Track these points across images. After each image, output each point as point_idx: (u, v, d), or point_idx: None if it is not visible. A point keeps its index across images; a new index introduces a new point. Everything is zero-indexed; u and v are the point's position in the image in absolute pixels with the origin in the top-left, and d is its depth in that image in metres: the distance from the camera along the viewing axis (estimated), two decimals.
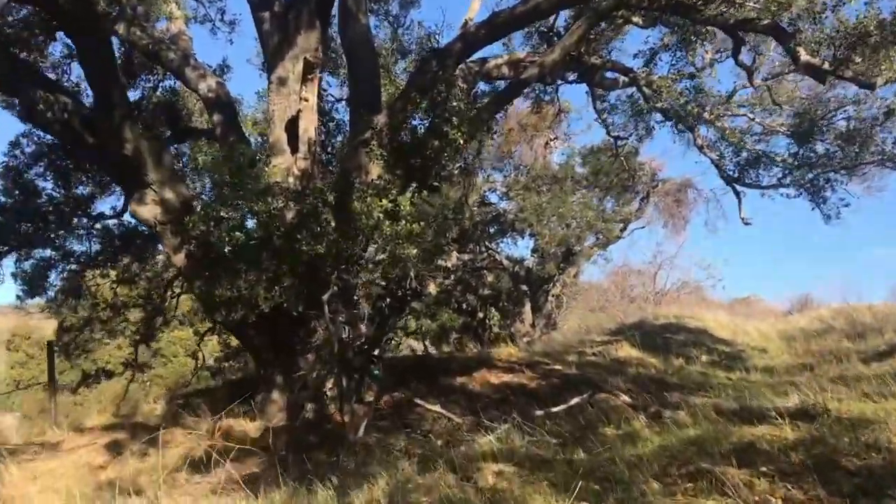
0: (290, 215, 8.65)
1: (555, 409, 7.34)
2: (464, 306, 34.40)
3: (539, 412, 7.40)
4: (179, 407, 11.95)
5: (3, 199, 13.22)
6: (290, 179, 9.82)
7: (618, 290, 34.64)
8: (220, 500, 6.93)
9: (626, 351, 14.15)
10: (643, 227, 28.38)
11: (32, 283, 14.12)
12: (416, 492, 4.95)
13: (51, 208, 13.57)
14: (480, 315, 33.88)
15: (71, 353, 17.63)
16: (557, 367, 11.91)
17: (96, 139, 9.56)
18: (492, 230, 29.05)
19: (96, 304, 16.40)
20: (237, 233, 8.50)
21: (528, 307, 29.43)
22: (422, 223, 8.18)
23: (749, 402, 7.45)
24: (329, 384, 10.19)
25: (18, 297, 14.59)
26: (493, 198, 27.72)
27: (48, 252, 14.31)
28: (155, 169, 9.91)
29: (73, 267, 14.92)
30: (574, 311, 32.94)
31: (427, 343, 38.36)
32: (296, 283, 8.61)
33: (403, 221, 8.14)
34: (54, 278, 14.86)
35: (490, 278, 30.98)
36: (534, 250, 28.54)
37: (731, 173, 13.26)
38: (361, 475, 6.07)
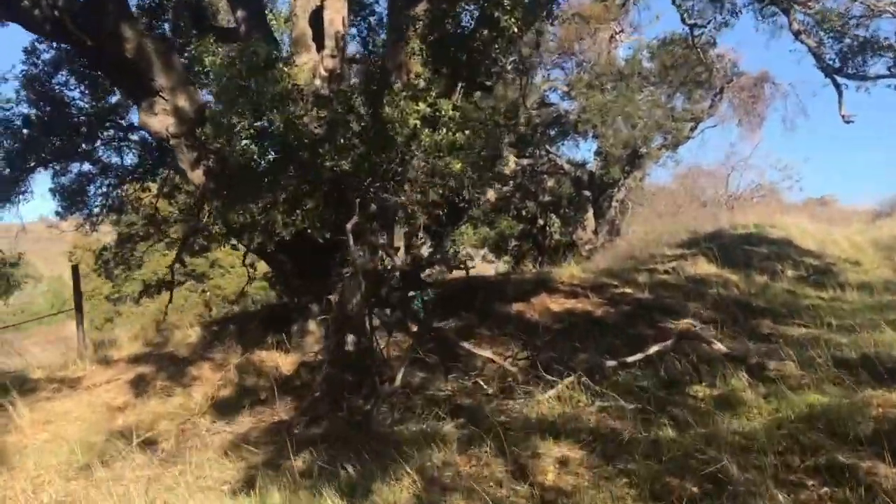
0: (312, 125, 7.30)
1: (630, 359, 6.01)
2: (523, 213, 33.18)
3: (610, 362, 6.07)
4: (214, 335, 11.02)
5: (30, 110, 12.24)
6: (317, 81, 8.45)
7: (687, 195, 32.71)
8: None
9: (702, 267, 12.63)
10: (715, 126, 26.39)
11: (72, 198, 13.39)
12: (451, 493, 3.75)
13: (81, 119, 12.55)
14: (541, 222, 32.63)
15: (112, 269, 16.90)
16: (627, 289, 10.53)
17: (92, 40, 8.27)
18: (552, 133, 27.75)
19: (141, 219, 15.69)
20: (251, 146, 7.24)
21: (590, 213, 28.18)
22: (467, 132, 6.78)
23: (873, 349, 6.00)
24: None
25: (58, 213, 13.79)
26: (554, 98, 25.97)
27: (86, 166, 13.56)
28: (163, 73, 8.61)
29: (112, 181, 14.05)
30: (640, 217, 31.30)
31: (485, 254, 37.39)
32: (320, 205, 7.33)
33: (444, 129, 6.75)
34: (94, 193, 14.04)
35: (551, 183, 29.73)
36: (597, 153, 27.23)
37: (831, 63, 11.34)
38: (386, 463, 4.90)
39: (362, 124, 7.00)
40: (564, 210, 28.91)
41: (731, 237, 16.06)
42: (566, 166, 27.71)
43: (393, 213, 8.42)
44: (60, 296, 43.62)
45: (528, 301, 10.21)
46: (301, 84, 7.54)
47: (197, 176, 8.96)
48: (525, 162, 28.02)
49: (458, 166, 6.78)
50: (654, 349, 5.96)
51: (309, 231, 7.46)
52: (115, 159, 13.73)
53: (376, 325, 9.52)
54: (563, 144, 27.90)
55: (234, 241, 11.37)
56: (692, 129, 25.34)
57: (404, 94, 6.92)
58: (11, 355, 12.06)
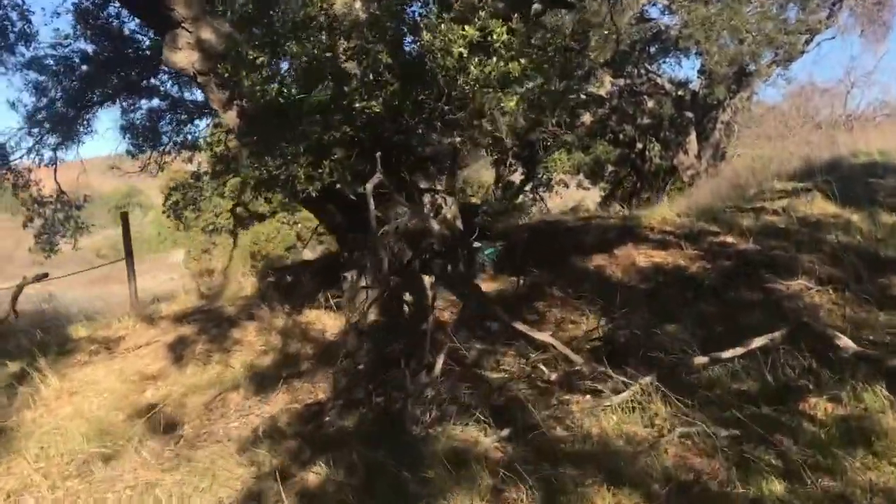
0: (342, 58, 6.10)
1: (726, 355, 4.64)
2: (620, 137, 31.35)
3: (701, 359, 4.72)
4: (268, 288, 10.17)
5: (87, 45, 11.56)
6: (357, 4, 7.19)
7: (800, 115, 29.92)
8: None
9: (818, 206, 10.87)
10: (833, 39, 23.63)
11: (144, 135, 12.79)
12: None
13: (142, 53, 11.83)
14: (639, 146, 30.75)
15: (181, 211, 16.38)
16: (728, 237, 9.01)
17: None
18: (652, 50, 25.90)
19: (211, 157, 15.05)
20: (270, 85, 6.12)
21: (693, 136, 26.26)
22: (522, 60, 5.44)
23: None
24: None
25: (129, 152, 13.15)
26: (654, 12, 23.91)
27: (155, 101, 12.90)
28: (183, 1, 7.52)
29: (183, 116, 13.37)
30: (747, 140, 28.96)
31: (580, 180, 35.68)
32: (351, 155, 6.18)
33: (496, 58, 5.45)
34: (166, 129, 13.41)
35: (650, 104, 28.05)
36: (700, 71, 25.10)
37: None
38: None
39: (396, 55, 5.74)
40: (665, 133, 27.17)
41: (851, 167, 14.05)
42: (667, 86, 25.83)
43: (446, 157, 7.20)
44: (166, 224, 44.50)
45: (610, 252, 8.87)
46: (337, 8, 6.33)
47: (230, 117, 7.90)
48: (622, 82, 26.28)
49: (511, 104, 5.48)
50: (757, 343, 4.59)
51: (339, 186, 6.34)
52: (185, 94, 13.08)
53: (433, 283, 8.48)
54: (663, 62, 25.87)
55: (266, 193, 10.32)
56: (807, 43, 22.89)
57: (447, 15, 5.62)
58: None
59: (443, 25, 5.46)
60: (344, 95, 5.66)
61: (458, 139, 6.74)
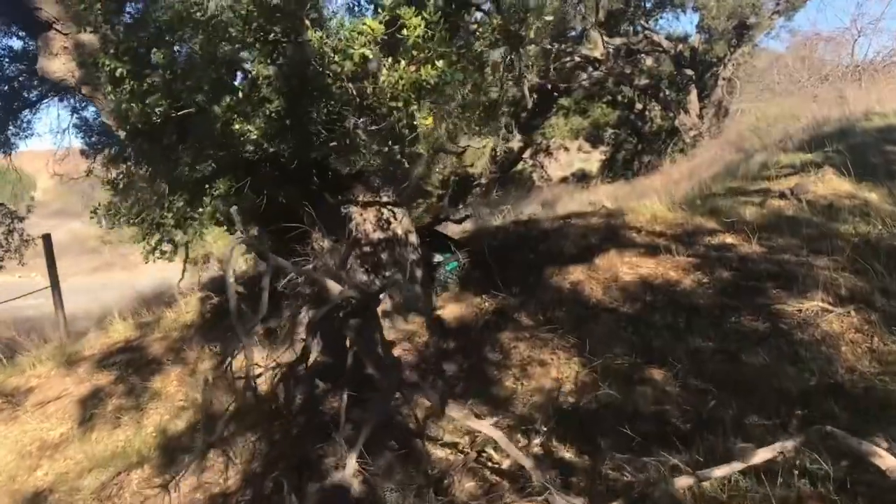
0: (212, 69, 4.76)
1: (719, 473, 3.30)
2: (619, 98, 29.92)
3: (685, 480, 3.39)
4: (211, 314, 8.93)
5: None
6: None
7: (804, 67, 28.25)
8: None
9: (830, 184, 9.49)
10: None
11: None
12: None
13: None
14: (639, 107, 29.45)
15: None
16: (727, 237, 7.66)
17: None
18: (648, 5, 24.74)
19: None
20: (135, 104, 4.81)
21: (693, 95, 24.97)
22: (440, 63, 4.11)
23: None
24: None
25: (83, 152, 11.93)
26: None
27: None
28: None
29: None
30: (751, 95, 27.43)
31: (580, 145, 34.23)
32: (236, 188, 4.87)
33: (404, 61, 4.13)
34: None
35: (649, 63, 26.69)
36: (699, 27, 23.90)
37: None
38: None
39: (279, 62, 4.41)
40: (664, 93, 25.88)
41: (864, 133, 12.63)
42: (665, 43, 24.53)
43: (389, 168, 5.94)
44: None
45: (590, 263, 7.56)
46: (211, 6, 4.98)
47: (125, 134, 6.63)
48: (618, 41, 24.99)
49: (427, 120, 4.16)
50: (761, 456, 3.28)
51: (226, 228, 5.05)
52: None
53: (387, 310, 7.25)
54: (661, 18, 24.72)
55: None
56: None
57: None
58: None
59: (333, 22, 4.14)
60: (213, 118, 4.33)
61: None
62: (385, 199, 7.20)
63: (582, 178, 34.28)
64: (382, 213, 7.21)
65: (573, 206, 20.97)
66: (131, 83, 4.81)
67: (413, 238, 7.59)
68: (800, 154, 11.76)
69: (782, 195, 9.18)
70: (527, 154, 34.95)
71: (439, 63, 4.03)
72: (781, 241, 7.36)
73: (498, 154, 33.53)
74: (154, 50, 4.73)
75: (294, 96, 4.30)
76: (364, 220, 7.13)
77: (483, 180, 32.08)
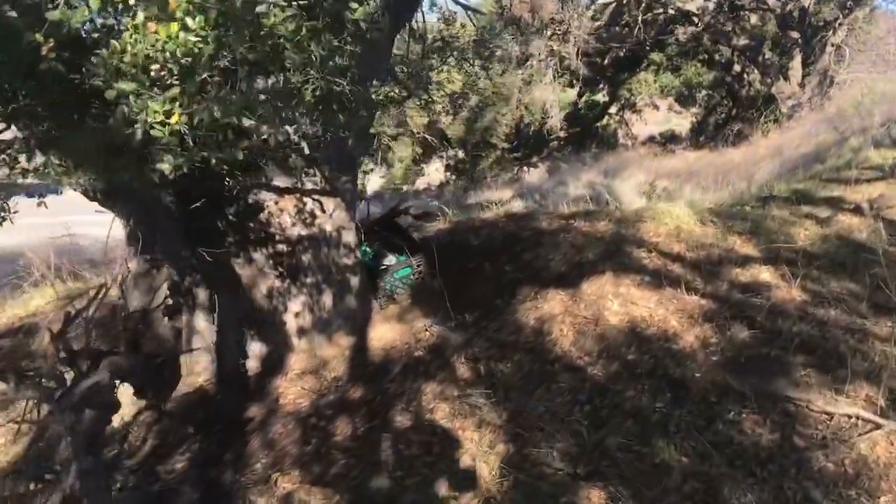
0: None
1: None
2: (716, 58, 27.54)
3: None
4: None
5: None
6: None
7: None
8: None
9: None
10: None
11: None
12: None
13: None
14: (737, 68, 26.93)
15: None
16: (764, 274, 5.71)
17: None
18: None
19: None
20: None
21: (797, 60, 22.42)
22: (198, 18, 2.39)
23: None
24: None
25: None
26: None
27: None
28: None
29: None
30: (861, 65, 24.36)
31: (671, 104, 31.66)
32: None
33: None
34: None
35: (753, 20, 24.32)
36: None
37: None
38: None
39: None
40: (766, 56, 23.41)
41: None
42: (771, 1, 21.97)
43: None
44: None
45: (576, 287, 5.77)
46: None
47: None
48: None
49: (174, 119, 2.48)
50: None
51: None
52: None
53: (305, 328, 5.69)
54: None
55: None
56: None
57: None
58: None
59: None
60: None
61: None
62: (310, 185, 5.54)
63: (670, 139, 31.87)
64: (305, 204, 5.57)
65: (639, 176, 18.93)
66: None
67: (349, 237, 5.94)
68: (895, 151, 9.50)
69: (857, 209, 7.12)
70: (613, 110, 32.60)
71: (198, 20, 2.33)
72: (835, 285, 5.41)
73: (580, 107, 31.31)
74: None
75: None
76: (281, 212, 5.51)
77: (561, 134, 29.99)
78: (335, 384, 5.20)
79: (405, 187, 29.27)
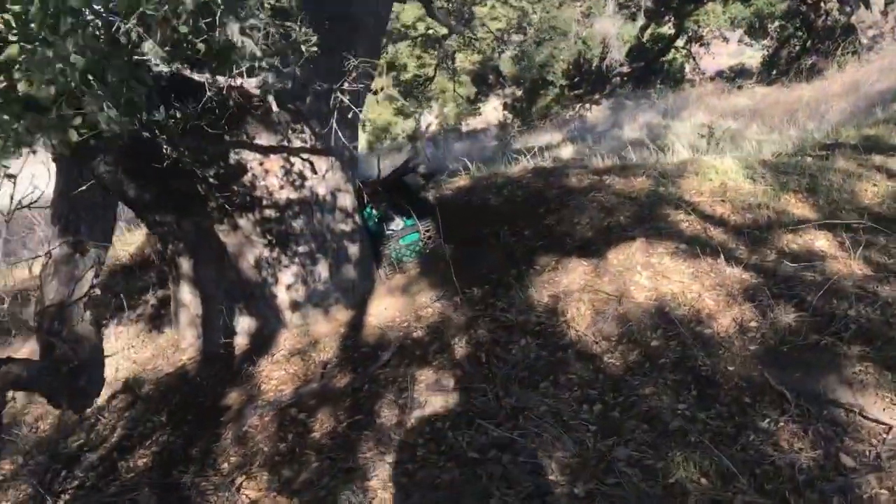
0: None
1: None
2: None
3: None
4: None
5: None
6: None
7: None
8: None
9: None
10: None
11: None
12: None
13: None
14: None
15: None
16: (820, 241, 4.92)
17: None
18: None
19: None
20: None
21: None
22: None
23: None
24: None
25: None
26: None
27: None
28: None
29: None
30: None
31: (741, 37, 29.97)
32: None
33: None
34: None
35: None
36: None
37: None
38: None
39: None
40: None
41: None
42: None
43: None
44: None
45: (602, 255, 5.09)
46: None
47: None
48: None
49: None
50: None
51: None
52: None
53: (298, 301, 5.19)
54: None
55: None
56: None
57: None
58: None
59: None
60: None
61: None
62: (298, 143, 4.93)
63: (740, 73, 30.23)
64: (292, 164, 4.97)
65: (701, 116, 17.79)
66: None
67: (346, 200, 5.34)
68: None
69: None
70: (679, 43, 30.95)
71: None
72: None
73: (644, 41, 29.77)
74: None
75: None
76: (266, 173, 4.92)
77: (624, 69, 28.77)
78: (322, 369, 4.65)
79: (463, 125, 28.64)
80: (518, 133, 23.78)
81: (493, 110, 29.39)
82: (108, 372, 4.65)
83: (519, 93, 28.69)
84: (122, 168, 4.53)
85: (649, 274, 4.79)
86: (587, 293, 4.72)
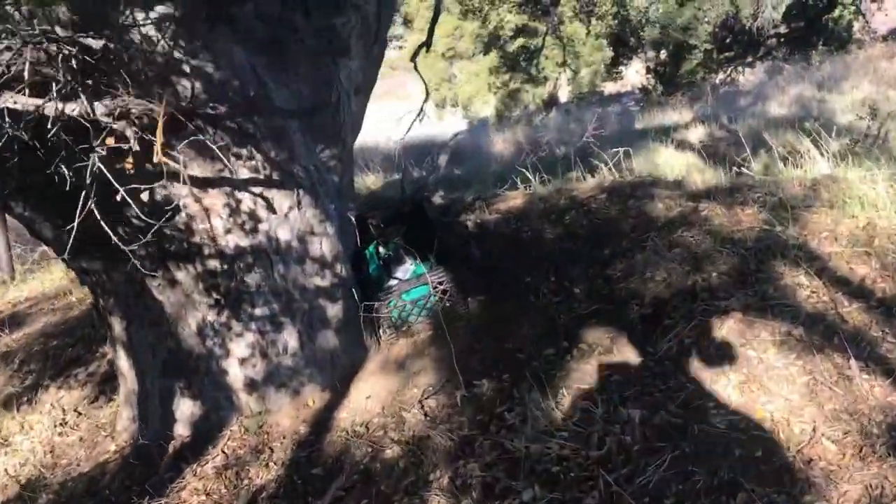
0: None
1: None
2: None
3: None
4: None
5: None
6: None
7: None
8: None
9: None
10: None
11: None
12: None
13: None
14: None
15: None
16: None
17: None
18: None
19: None
20: None
21: None
22: None
23: None
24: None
25: None
26: None
27: None
28: None
29: None
30: None
31: None
32: None
33: None
34: None
35: None
36: None
37: None
38: None
39: None
40: None
41: None
42: None
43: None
44: None
45: (677, 337, 3.45)
46: None
47: None
48: None
49: None
50: None
51: None
52: None
53: (254, 380, 3.90)
54: None
55: None
56: None
57: None
58: None
59: None
60: None
61: None
62: (245, 172, 3.57)
63: None
64: (239, 201, 3.62)
65: (866, 86, 15.13)
66: None
67: (322, 247, 3.94)
68: None
69: None
70: None
71: None
72: None
73: None
74: None
75: None
76: (207, 213, 3.60)
77: (782, 29, 26.04)
78: (252, 498, 3.31)
79: (603, 88, 26.99)
80: (659, 100, 21.92)
81: (635, 73, 27.78)
82: (11, 467, 3.52)
83: (663, 56, 26.66)
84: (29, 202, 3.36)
85: (740, 378, 3.13)
86: (643, 407, 3.11)
